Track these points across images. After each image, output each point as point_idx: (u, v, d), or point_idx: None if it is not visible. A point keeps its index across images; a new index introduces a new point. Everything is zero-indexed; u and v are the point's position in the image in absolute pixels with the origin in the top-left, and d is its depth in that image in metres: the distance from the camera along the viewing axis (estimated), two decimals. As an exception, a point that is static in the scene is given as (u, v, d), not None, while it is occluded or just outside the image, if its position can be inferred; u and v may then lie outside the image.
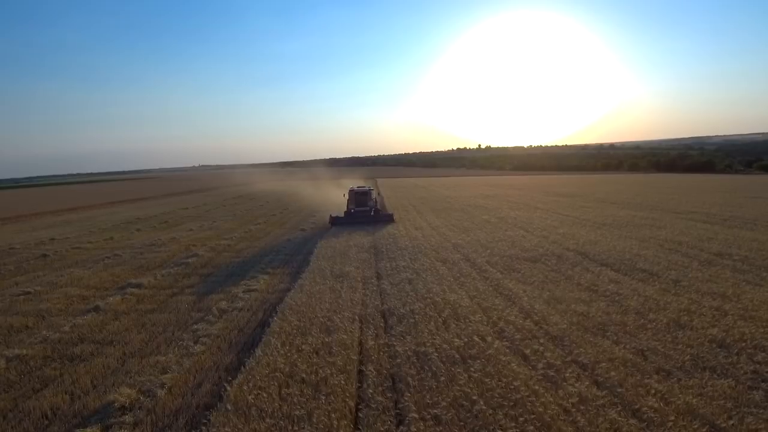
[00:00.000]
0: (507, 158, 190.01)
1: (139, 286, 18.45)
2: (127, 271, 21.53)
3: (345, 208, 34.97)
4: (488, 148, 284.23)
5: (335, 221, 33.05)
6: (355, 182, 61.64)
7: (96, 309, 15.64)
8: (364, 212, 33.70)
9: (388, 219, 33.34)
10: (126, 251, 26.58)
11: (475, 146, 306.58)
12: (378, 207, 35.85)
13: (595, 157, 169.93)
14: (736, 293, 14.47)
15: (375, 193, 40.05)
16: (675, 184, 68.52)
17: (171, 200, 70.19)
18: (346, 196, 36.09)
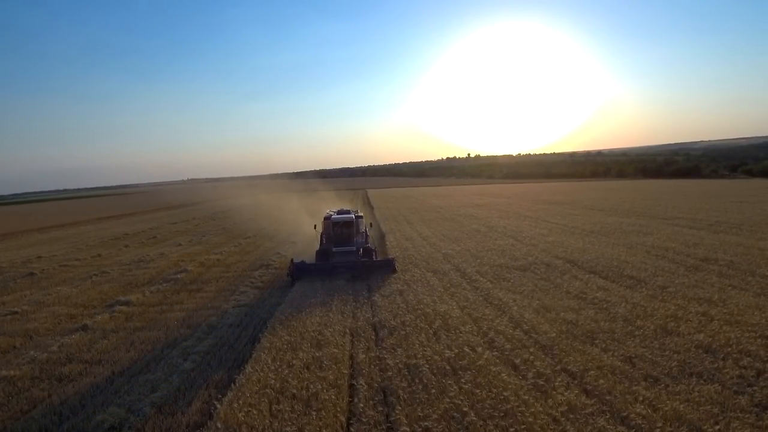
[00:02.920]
0: (496, 166, 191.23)
1: (127, 303, 18.31)
2: (115, 288, 21.35)
3: (318, 245, 23.34)
4: (477, 157, 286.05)
5: (299, 272, 20.14)
6: (336, 198, 58.47)
7: (84, 328, 15.49)
8: (347, 254, 21.81)
9: (387, 268, 20.35)
10: (114, 268, 26.36)
11: (465, 155, 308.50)
12: (371, 245, 23.73)
13: (582, 164, 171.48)
14: (722, 298, 14.67)
15: (364, 222, 25.35)
16: (662, 190, 69.37)
17: (159, 215, 69.73)
18: (319, 228, 24.07)
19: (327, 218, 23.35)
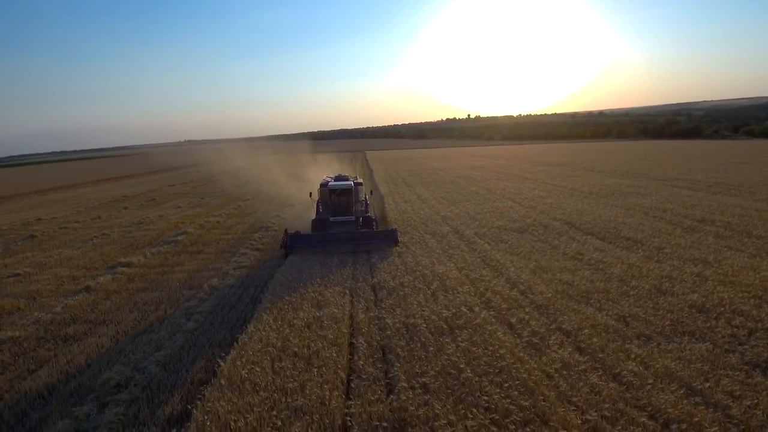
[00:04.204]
0: (496, 128, 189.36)
1: (129, 265, 18.48)
2: (116, 250, 21.51)
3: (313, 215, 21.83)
4: (477, 118, 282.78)
5: (293, 243, 18.48)
6: (333, 162, 56.03)
7: (87, 289, 15.69)
8: (346, 224, 20.37)
9: (389, 240, 18.65)
10: (114, 230, 26.47)
11: (465, 116, 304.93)
12: (372, 215, 22.24)
13: (583, 125, 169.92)
14: (718, 259, 14.84)
15: (364, 189, 23.43)
16: (662, 151, 68.97)
17: (157, 177, 69.49)
18: (315, 196, 22.64)
19: (323, 185, 21.70)
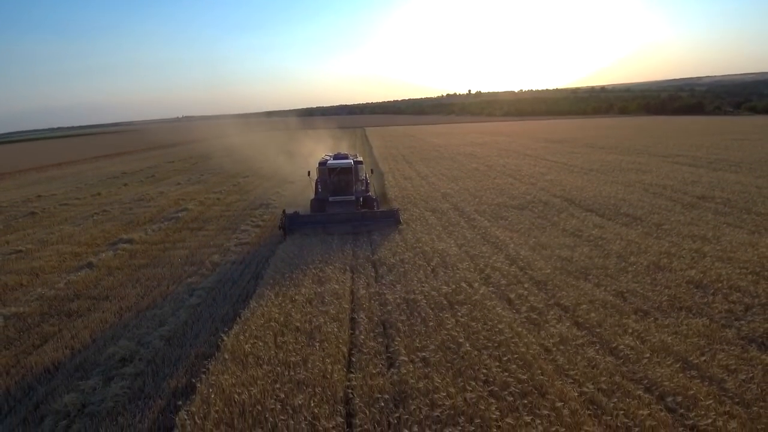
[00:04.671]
0: (497, 104, 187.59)
1: (130, 241, 18.56)
2: (117, 226, 21.56)
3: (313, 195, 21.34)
4: (478, 94, 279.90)
5: (291, 224, 17.99)
6: (332, 139, 55.80)
7: (89, 265, 15.79)
8: (345, 204, 19.83)
9: (390, 220, 18.17)
10: (115, 207, 26.50)
11: (465, 91, 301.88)
12: (372, 194, 22.12)
13: (585, 100, 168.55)
14: (716, 235, 14.92)
15: (364, 168, 22.97)
16: (664, 128, 68.57)
17: (156, 153, 69.16)
18: (313, 175, 21.87)
19: (322, 164, 21.16)
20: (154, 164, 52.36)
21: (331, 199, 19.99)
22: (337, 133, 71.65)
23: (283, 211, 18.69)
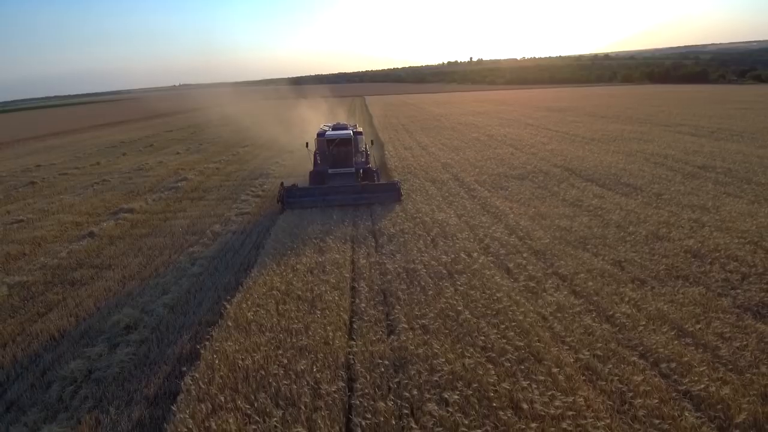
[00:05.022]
0: (499, 72, 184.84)
1: (131, 211, 18.60)
2: (117, 196, 21.58)
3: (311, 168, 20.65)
4: (480, 62, 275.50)
5: (289, 197, 17.57)
6: (332, 108, 53.93)
7: (91, 235, 15.88)
8: (345, 176, 19.37)
9: (390, 194, 17.61)
10: (114, 176, 26.46)
11: (467, 60, 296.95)
12: (373, 167, 21.06)
13: (588, 68, 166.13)
14: (716, 205, 14.95)
15: (365, 139, 22.42)
16: (667, 96, 67.80)
17: (154, 122, 68.58)
18: (311, 147, 21.18)
19: (320, 135, 20.53)
20: (152, 133, 51.99)
21: (330, 171, 19.49)
22: (336, 101, 70.80)
23: (281, 184, 18.34)
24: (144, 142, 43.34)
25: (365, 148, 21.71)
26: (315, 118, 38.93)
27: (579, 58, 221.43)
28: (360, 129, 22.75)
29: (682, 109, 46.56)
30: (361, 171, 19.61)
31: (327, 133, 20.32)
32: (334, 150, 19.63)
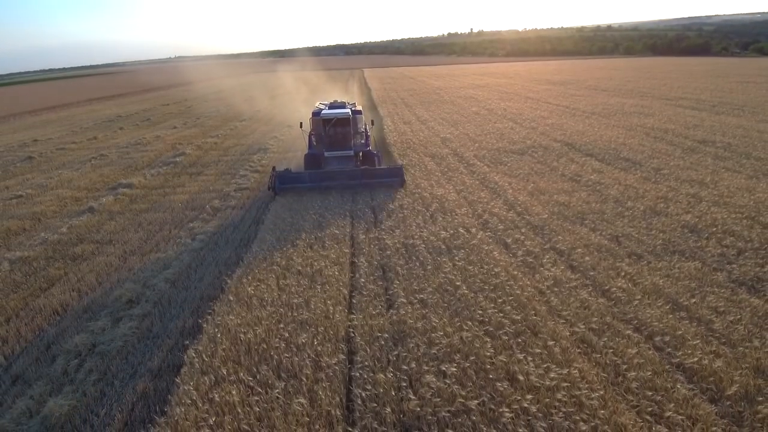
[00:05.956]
0: (500, 44, 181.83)
1: (130, 186, 18.60)
2: (116, 171, 21.53)
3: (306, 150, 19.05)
4: (480, 33, 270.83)
5: (281, 183, 16.49)
6: (329, 82, 55.10)
7: (90, 210, 15.91)
8: (344, 159, 18.03)
9: (394, 179, 16.41)
10: (112, 151, 26.33)
11: (467, 31, 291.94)
12: (374, 149, 19.46)
13: (590, 40, 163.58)
14: (714, 180, 14.97)
15: (364, 118, 20.49)
16: (668, 69, 66.99)
17: (150, 96, 67.77)
18: (305, 127, 19.32)
19: (316, 114, 18.61)
20: (148, 107, 51.47)
21: (327, 154, 17.91)
22: (334, 74, 69.95)
23: (273, 168, 17.18)
24: (141, 116, 42.95)
25: (365, 128, 19.94)
26: (309, 91, 38.52)
27: (581, 29, 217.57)
28: (359, 108, 21.00)
29: (684, 83, 46.09)
30: (360, 154, 18.29)
31: (323, 111, 18.50)
32: (331, 130, 18.00)
